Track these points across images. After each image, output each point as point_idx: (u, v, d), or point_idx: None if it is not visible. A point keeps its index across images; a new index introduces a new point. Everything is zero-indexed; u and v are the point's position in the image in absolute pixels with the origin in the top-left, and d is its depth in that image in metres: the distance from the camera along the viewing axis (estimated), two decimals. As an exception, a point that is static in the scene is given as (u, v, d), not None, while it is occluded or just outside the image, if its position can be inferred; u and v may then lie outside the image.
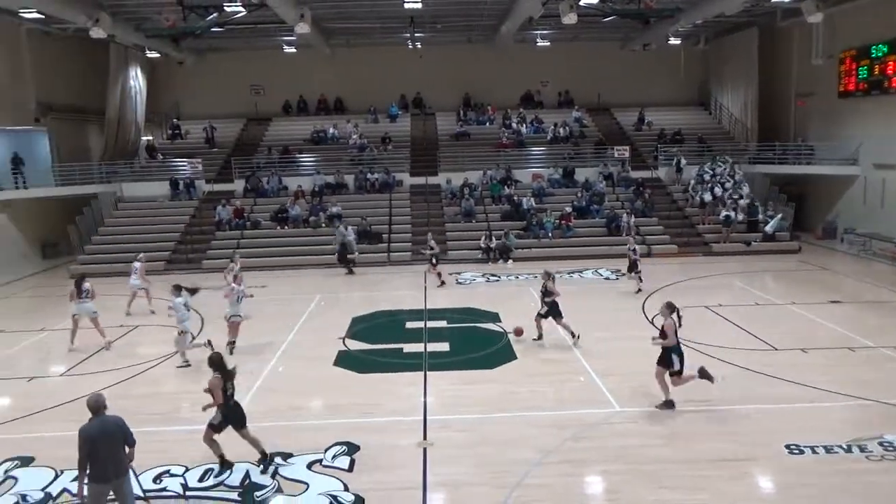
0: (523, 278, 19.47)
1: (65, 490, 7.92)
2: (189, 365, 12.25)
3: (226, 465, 8.29)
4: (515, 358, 12.31)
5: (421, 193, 26.34)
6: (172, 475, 8.18)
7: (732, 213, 23.35)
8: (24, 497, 7.86)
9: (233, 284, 13.26)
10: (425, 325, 14.72)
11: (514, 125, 29.88)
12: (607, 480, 7.85)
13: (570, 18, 20.67)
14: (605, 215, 24.08)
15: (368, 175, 26.54)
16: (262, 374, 11.77)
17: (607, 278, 19.36)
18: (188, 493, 7.80)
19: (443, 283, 18.79)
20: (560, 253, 22.41)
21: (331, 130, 29.63)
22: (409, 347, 13.06)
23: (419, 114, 32.36)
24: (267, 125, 31.54)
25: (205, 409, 8.37)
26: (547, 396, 10.52)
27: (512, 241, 22.42)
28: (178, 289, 12.44)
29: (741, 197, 24.61)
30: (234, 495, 7.72)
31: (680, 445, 8.60)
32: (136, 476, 8.02)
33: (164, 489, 7.89)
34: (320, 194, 25.61)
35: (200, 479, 8.07)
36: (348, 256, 21.24)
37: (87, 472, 6.41)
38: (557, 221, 23.64)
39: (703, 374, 9.68)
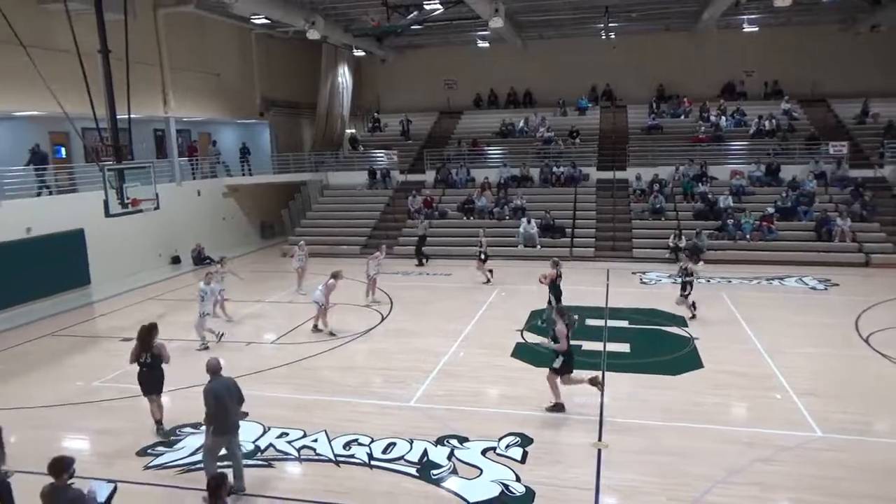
0: (715, 282, 18.29)
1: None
2: (207, 347, 13.08)
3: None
4: (702, 366, 11.64)
5: (608, 188, 25.69)
6: (360, 444, 8.88)
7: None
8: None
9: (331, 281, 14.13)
10: (605, 323, 14.42)
11: (712, 118, 27.98)
12: (801, 510, 7.20)
13: (783, 0, 18.86)
14: (815, 218, 21.75)
15: (554, 168, 26.42)
16: (445, 358, 12.30)
17: (813, 288, 17.53)
18: (372, 462, 8.42)
19: (489, 280, 18.56)
20: (758, 257, 20.68)
21: (519, 123, 29.91)
22: (587, 345, 12.87)
23: (609, 106, 31.50)
24: (458, 118, 32.61)
25: None
26: (735, 411, 9.85)
27: (704, 241, 21.10)
28: (207, 274, 13.67)
29: None
30: (413, 470, 8.19)
31: (891, 486, 7.61)
32: (330, 440, 8.86)
33: (352, 455, 8.59)
34: (505, 187, 26.00)
35: (384, 451, 8.67)
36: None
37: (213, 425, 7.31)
38: (757, 223, 21.80)
39: (594, 382, 9.66)
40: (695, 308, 14.58)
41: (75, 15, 14.74)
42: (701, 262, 20.44)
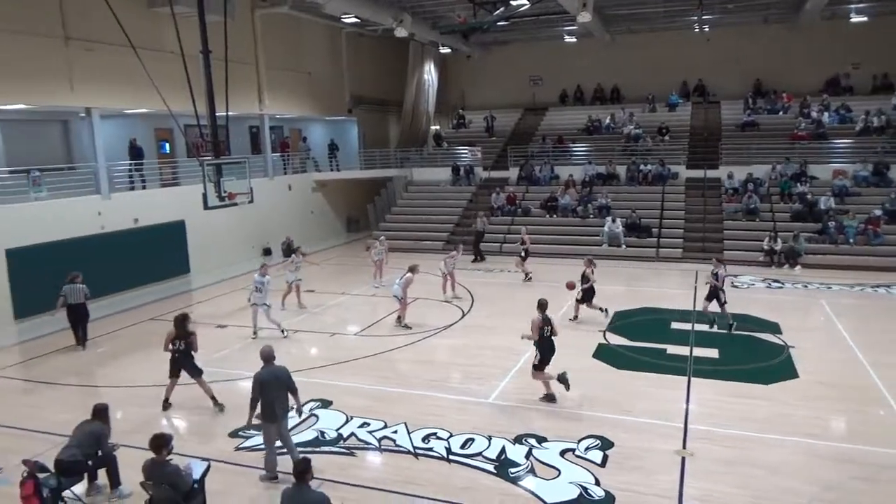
0: (813, 287, 17.33)
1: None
2: (286, 336, 13.67)
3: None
4: (796, 376, 11.07)
5: (698, 187, 24.76)
6: (439, 438, 9.00)
7: None
8: (322, 433, 9.31)
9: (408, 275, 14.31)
10: (693, 327, 13.95)
11: (813, 114, 26.42)
12: (904, 534, 6.75)
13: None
14: (929, 222, 20.20)
15: (642, 166, 25.73)
16: (524, 356, 12.25)
17: (925, 297, 16.31)
18: (451, 457, 8.52)
19: (529, 278, 18.49)
20: (862, 262, 19.41)
21: (605, 120, 29.31)
22: (673, 349, 12.52)
23: (701, 102, 30.32)
24: (543, 114, 32.28)
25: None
26: (832, 425, 9.33)
27: (802, 244, 20.00)
28: (262, 266, 14.03)
29: None
30: (491, 467, 8.22)
31: None
32: (409, 432, 9.04)
33: (430, 449, 8.72)
34: (590, 184, 25.56)
35: (462, 446, 8.75)
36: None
37: (256, 410, 7.78)
38: (862, 226, 20.45)
39: (562, 379, 9.88)
40: (731, 322, 13.50)
41: (180, 18, 15.60)
42: (798, 267, 19.46)
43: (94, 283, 14.15)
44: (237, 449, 8.90)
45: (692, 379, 10.95)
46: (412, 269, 14.50)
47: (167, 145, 22.64)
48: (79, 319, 13.72)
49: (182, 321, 10.20)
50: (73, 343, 13.72)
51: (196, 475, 7.07)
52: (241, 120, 23.97)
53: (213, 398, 10.23)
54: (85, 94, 17.19)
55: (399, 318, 14.47)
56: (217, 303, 17.18)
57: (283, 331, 13.96)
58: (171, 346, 10.14)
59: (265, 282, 13.80)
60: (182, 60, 14.37)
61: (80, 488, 7.70)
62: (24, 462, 7.33)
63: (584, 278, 14.01)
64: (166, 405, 10.32)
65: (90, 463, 7.65)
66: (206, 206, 15.17)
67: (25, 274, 15.47)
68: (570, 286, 14.19)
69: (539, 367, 10.07)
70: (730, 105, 29.08)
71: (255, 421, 8.03)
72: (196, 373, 10.24)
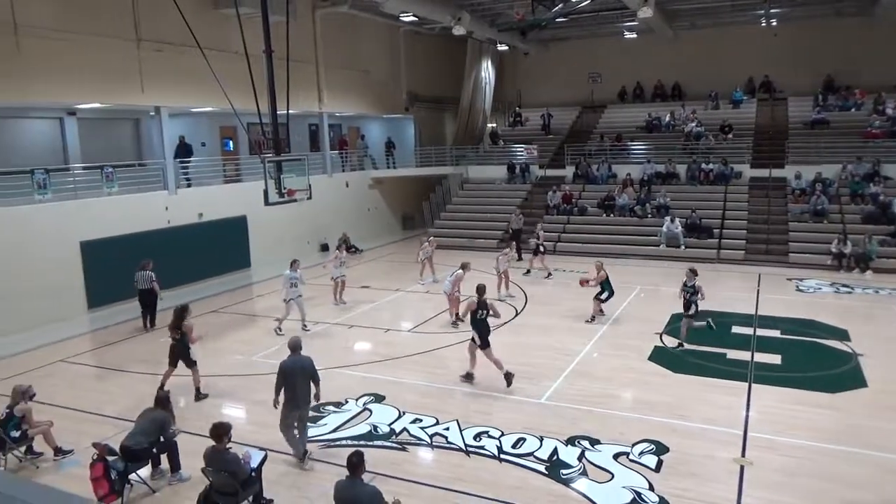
0: (885, 293, 16.53)
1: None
2: (308, 330, 14.00)
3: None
4: (865, 385, 10.60)
5: (762, 187, 23.93)
6: (490, 436, 9.00)
7: None
8: (375, 427, 9.44)
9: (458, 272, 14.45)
10: (754, 331, 13.51)
11: (888, 111, 25.12)
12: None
13: None
14: None
15: (703, 165, 25.04)
16: (578, 358, 12.14)
17: None
18: (502, 456, 8.51)
19: (549, 275, 18.67)
20: (941, 268, 18.42)
21: (665, 118, 28.64)
22: (733, 354, 12.15)
23: (767, 99, 29.23)
24: (601, 112, 31.80)
25: None
26: (904, 438, 8.89)
27: (874, 248, 19.08)
28: (294, 262, 14.08)
29: None
30: (542, 468, 8.18)
31: None
32: (461, 430, 9.06)
33: (482, 447, 8.74)
34: (649, 183, 25.04)
35: (514, 446, 8.73)
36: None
37: (279, 396, 8.29)
38: (941, 229, 19.40)
39: (507, 376, 10.53)
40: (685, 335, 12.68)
41: (244, 19, 16.04)
42: (869, 272, 18.60)
43: (159, 275, 14.79)
44: (293, 440, 9.11)
45: (753, 385, 10.61)
46: (463, 267, 14.56)
47: (230, 143, 23.32)
48: (146, 304, 14.71)
49: (180, 312, 10.72)
50: (142, 331, 14.43)
51: (254, 464, 7.29)
52: (301, 118, 24.48)
53: (197, 389, 10.69)
54: (154, 93, 17.88)
55: (456, 315, 14.45)
56: (275, 297, 17.57)
57: (305, 324, 14.28)
58: (172, 336, 10.69)
59: (299, 276, 14.14)
60: (246, 60, 14.77)
61: (144, 472, 8.04)
62: (95, 445, 7.71)
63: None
64: (161, 391, 10.61)
65: (154, 450, 7.99)
66: (266, 203, 15.55)
67: (98, 265, 16.22)
68: (584, 283, 14.83)
69: (482, 346, 10.72)
70: (798, 102, 27.96)
71: (278, 406, 8.43)
72: (190, 363, 10.67)
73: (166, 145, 18.65)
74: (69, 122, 18.27)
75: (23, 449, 8.67)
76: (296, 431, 8.43)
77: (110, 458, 7.56)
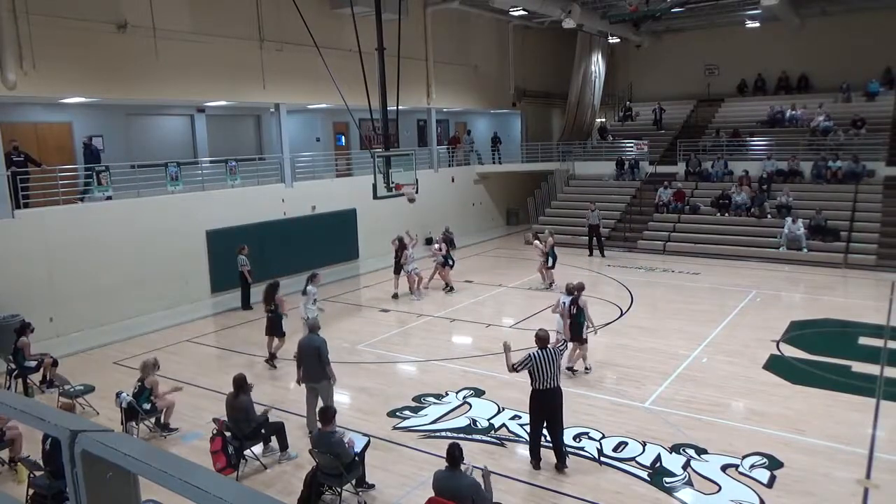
0: None
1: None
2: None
3: None
4: None
5: (899, 187, 21.95)
6: (591, 438, 8.86)
7: None
8: (474, 421, 9.54)
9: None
10: (885, 343, 12.44)
11: None
12: None
13: None
14: None
15: (830, 162, 23.27)
16: (685, 362, 11.69)
17: None
18: (602, 459, 8.36)
19: (551, 284, 16.92)
20: None
21: (789, 112, 26.83)
22: (859, 367, 11.27)
23: (908, 91, 26.76)
24: (718, 106, 30.26)
25: None
26: None
27: None
28: (315, 276, 12.73)
29: None
30: (644, 474, 7.96)
31: None
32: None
33: (581, 448, 8.62)
34: (769, 181, 23.57)
35: (615, 449, 8.55)
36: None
37: (300, 373, 9.12)
38: None
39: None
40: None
41: (358, 17, 16.58)
42: None
43: (275, 264, 15.67)
44: (394, 428, 9.38)
45: (881, 402, 9.80)
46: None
47: (342, 138, 24.19)
48: (242, 287, 16.04)
49: (271, 288, 12.09)
50: (257, 317, 15.37)
51: (357, 448, 7.58)
52: (409, 113, 24.97)
53: (272, 356, 11.94)
54: (274, 91, 18.85)
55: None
56: (382, 288, 18.11)
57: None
58: (266, 309, 12.08)
59: (317, 292, 13.11)
60: (359, 57, 15.27)
61: (257, 449, 8.56)
62: (214, 420, 8.29)
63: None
64: (271, 360, 11.98)
65: (262, 430, 8.46)
66: (375, 196, 16.02)
67: (221, 253, 17.34)
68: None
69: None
70: (946, 94, 25.38)
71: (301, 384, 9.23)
72: (279, 334, 11.96)
73: (284, 140, 19.62)
74: (198, 119, 19.66)
75: (152, 420, 9.46)
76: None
77: (227, 434, 8.11)
